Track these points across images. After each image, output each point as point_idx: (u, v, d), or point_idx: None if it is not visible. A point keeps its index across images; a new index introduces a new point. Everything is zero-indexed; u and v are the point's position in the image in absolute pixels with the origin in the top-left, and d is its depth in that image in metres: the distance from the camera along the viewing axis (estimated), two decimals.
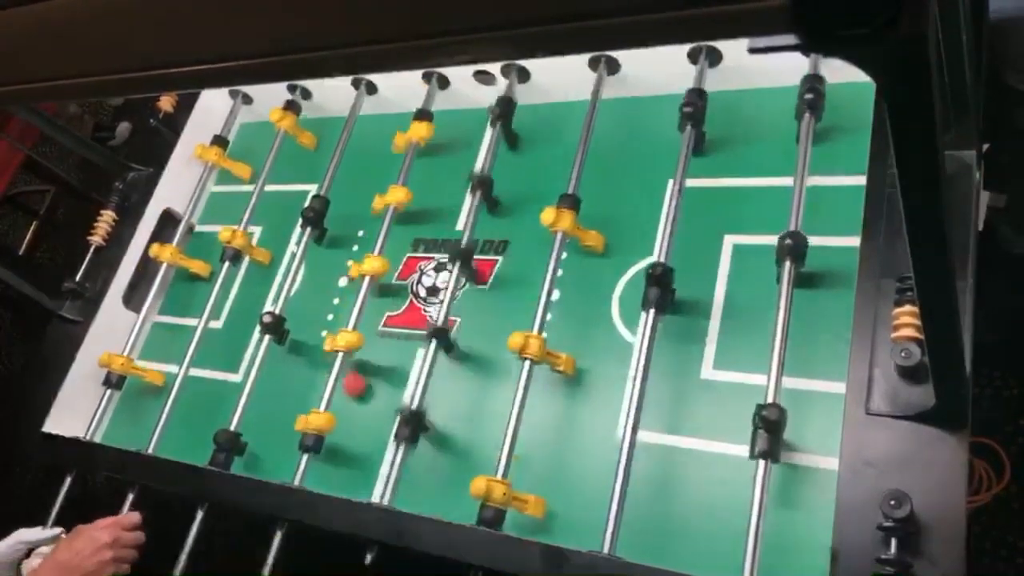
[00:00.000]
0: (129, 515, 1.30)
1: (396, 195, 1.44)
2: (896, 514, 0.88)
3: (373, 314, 1.44)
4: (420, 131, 1.49)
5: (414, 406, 1.22)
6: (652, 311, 1.13)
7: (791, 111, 1.20)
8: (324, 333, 1.50)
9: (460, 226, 1.46)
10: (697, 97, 1.26)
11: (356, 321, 1.35)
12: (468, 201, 1.41)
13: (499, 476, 1.10)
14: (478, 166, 1.42)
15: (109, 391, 1.54)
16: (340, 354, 1.33)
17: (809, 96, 1.18)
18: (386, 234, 1.43)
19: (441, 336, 1.27)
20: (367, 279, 1.39)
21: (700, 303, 1.21)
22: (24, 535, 1.31)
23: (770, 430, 0.98)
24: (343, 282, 1.55)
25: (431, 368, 1.25)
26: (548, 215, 1.26)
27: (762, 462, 0.97)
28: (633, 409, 1.08)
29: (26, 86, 0.57)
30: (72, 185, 2.96)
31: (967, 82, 0.93)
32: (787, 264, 1.08)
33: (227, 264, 1.57)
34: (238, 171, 1.77)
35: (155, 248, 1.64)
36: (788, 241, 1.08)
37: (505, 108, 1.43)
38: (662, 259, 1.16)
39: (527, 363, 1.17)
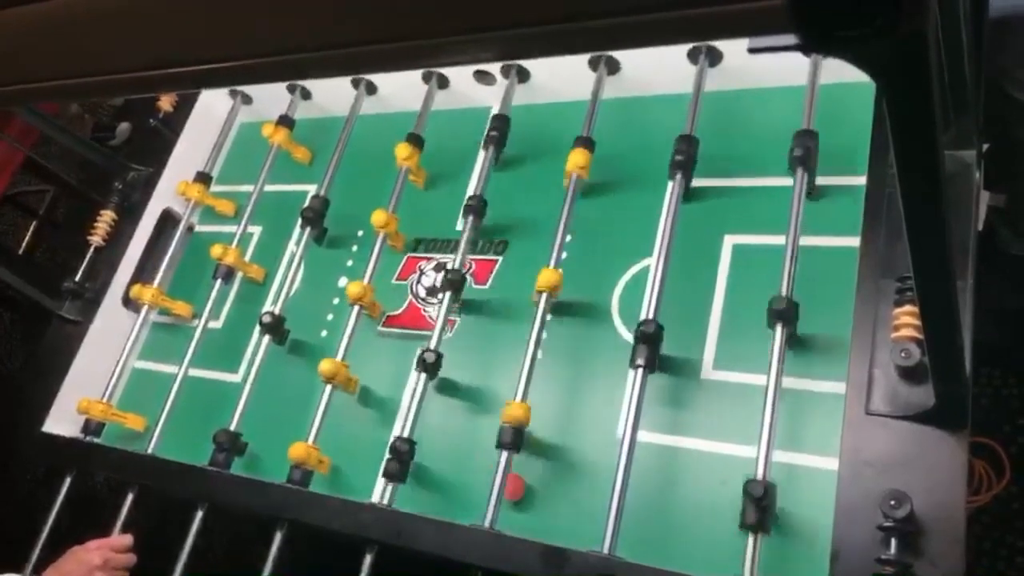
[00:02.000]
0: (121, 537, 1.31)
1: (379, 218, 1.40)
2: (896, 514, 0.88)
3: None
4: (403, 152, 1.46)
5: (405, 433, 1.21)
6: (640, 371, 1.10)
7: (791, 111, 1.20)
8: (324, 333, 1.50)
9: (460, 226, 1.46)
10: (687, 145, 1.22)
11: (370, 275, 1.37)
12: (463, 225, 1.38)
13: (498, 480, 1.11)
14: (471, 189, 1.41)
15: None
16: (355, 308, 1.34)
17: (798, 152, 1.13)
18: (377, 256, 1.41)
19: (431, 371, 1.25)
20: (355, 310, 1.36)
21: (700, 303, 1.21)
22: None
23: (759, 506, 0.94)
24: (343, 282, 1.55)
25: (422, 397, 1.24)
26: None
27: (751, 536, 0.94)
28: (633, 409, 1.08)
29: (26, 86, 0.57)
30: (72, 185, 2.96)
31: (967, 82, 0.93)
32: (779, 328, 1.04)
33: (219, 282, 1.55)
34: (221, 207, 1.76)
35: (136, 289, 1.61)
36: (776, 307, 1.04)
37: (501, 127, 1.42)
38: (661, 260, 1.16)
39: (527, 364, 1.17)
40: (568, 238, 1.29)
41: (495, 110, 1.48)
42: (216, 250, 1.55)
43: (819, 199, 1.17)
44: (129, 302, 1.68)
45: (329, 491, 1.23)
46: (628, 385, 1.11)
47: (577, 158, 1.30)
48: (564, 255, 1.29)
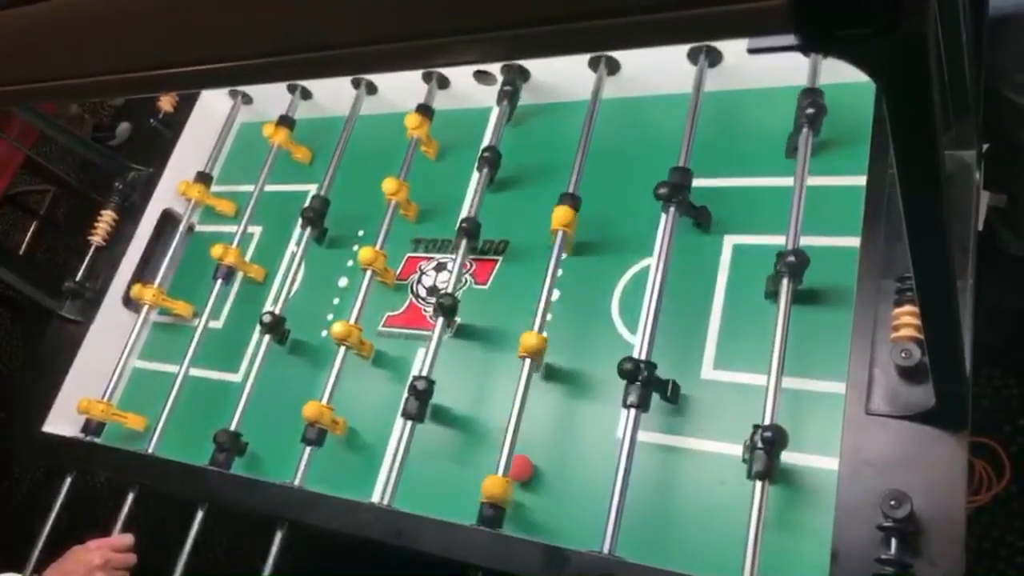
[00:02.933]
0: (121, 537, 1.31)
1: (390, 186, 1.42)
2: (896, 514, 0.88)
3: (373, 313, 1.44)
4: (412, 122, 1.48)
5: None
6: (633, 411, 1.07)
7: (791, 111, 1.19)
8: (324, 333, 1.50)
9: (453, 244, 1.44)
10: (681, 177, 1.18)
11: (381, 242, 1.38)
12: (455, 246, 1.37)
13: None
14: (465, 210, 1.41)
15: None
16: (342, 349, 1.33)
17: (810, 111, 1.14)
18: (388, 227, 1.42)
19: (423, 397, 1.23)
20: (367, 274, 1.38)
21: (700, 303, 1.21)
22: None
23: (769, 452, 0.96)
24: (343, 282, 1.55)
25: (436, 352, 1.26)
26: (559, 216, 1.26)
27: (759, 483, 0.96)
28: (633, 409, 1.08)
29: (26, 86, 0.57)
30: (72, 185, 2.96)
31: (967, 82, 0.93)
32: (785, 282, 1.06)
33: (219, 282, 1.55)
34: (222, 207, 1.75)
35: (136, 289, 1.61)
36: (791, 259, 1.05)
37: (493, 156, 1.41)
38: (662, 262, 1.16)
39: (528, 361, 1.17)
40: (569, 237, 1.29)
41: (489, 129, 1.47)
42: (216, 250, 1.55)
43: (817, 205, 1.17)
44: (129, 302, 1.68)
45: (325, 486, 1.22)
46: (621, 424, 1.08)
47: (562, 216, 1.26)
48: (564, 255, 1.29)
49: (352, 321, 1.34)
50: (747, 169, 1.28)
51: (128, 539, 1.30)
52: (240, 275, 1.63)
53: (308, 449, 1.27)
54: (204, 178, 1.72)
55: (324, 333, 1.50)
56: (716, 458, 1.11)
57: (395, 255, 1.48)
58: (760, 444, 0.96)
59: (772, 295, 1.11)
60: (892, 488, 0.90)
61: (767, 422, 0.99)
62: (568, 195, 1.28)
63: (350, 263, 1.56)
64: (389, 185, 1.42)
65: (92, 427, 1.51)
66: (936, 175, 0.52)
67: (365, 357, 1.40)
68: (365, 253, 1.37)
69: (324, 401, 1.29)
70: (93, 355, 1.62)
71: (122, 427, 1.55)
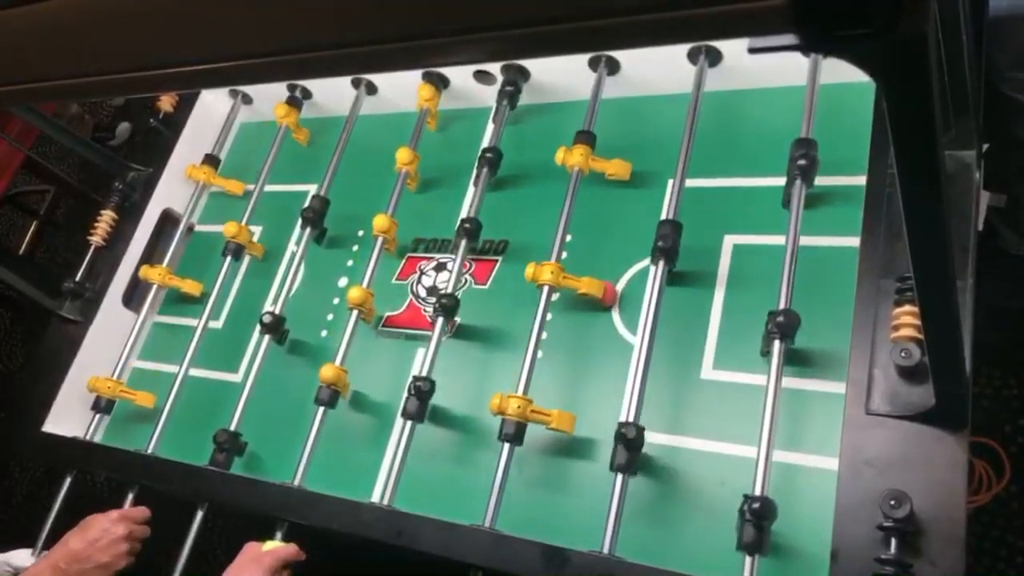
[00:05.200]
0: (139, 509, 1.31)
1: (382, 224, 1.41)
2: (896, 514, 0.88)
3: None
4: (404, 157, 1.47)
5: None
6: (620, 476, 1.05)
7: (791, 111, 1.19)
8: (324, 333, 1.50)
9: (454, 243, 1.45)
10: (671, 230, 1.17)
11: (369, 278, 1.38)
12: (456, 246, 1.37)
13: (499, 479, 1.11)
14: (464, 210, 1.42)
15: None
16: (354, 312, 1.34)
17: (802, 163, 1.11)
18: (376, 260, 1.41)
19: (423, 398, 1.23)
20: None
21: (700, 303, 1.21)
22: (13, 558, 1.31)
23: (758, 526, 0.92)
24: (343, 282, 1.55)
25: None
26: (561, 155, 1.29)
27: (748, 558, 0.93)
28: (633, 409, 1.08)
29: (26, 86, 0.57)
30: (72, 185, 2.96)
31: (967, 82, 0.93)
32: (776, 344, 1.02)
33: (228, 259, 1.57)
34: (231, 188, 1.76)
35: (145, 269, 1.62)
36: (780, 319, 1.02)
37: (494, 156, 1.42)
38: (660, 269, 1.16)
39: (528, 361, 1.17)
40: (568, 238, 1.29)
41: (488, 133, 1.47)
42: (230, 228, 1.57)
43: (817, 206, 1.17)
44: (130, 302, 1.69)
45: (324, 487, 1.23)
46: (611, 491, 1.05)
47: (580, 153, 1.29)
48: (564, 255, 1.29)
49: (339, 361, 1.33)
50: (747, 169, 1.28)
51: (145, 512, 1.30)
52: (243, 266, 1.64)
53: (309, 446, 1.26)
54: (212, 160, 1.73)
55: (324, 333, 1.50)
56: (716, 458, 1.11)
57: (393, 262, 1.48)
58: (749, 516, 0.93)
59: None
60: (892, 488, 0.90)
61: (766, 424, 0.98)
62: (584, 133, 1.32)
63: (350, 263, 1.56)
64: (381, 223, 1.41)
65: (102, 405, 1.52)
66: (936, 175, 0.52)
67: (344, 398, 1.36)
68: (355, 293, 1.35)
69: (337, 363, 1.31)
70: (93, 355, 1.62)
71: (131, 405, 1.55)
